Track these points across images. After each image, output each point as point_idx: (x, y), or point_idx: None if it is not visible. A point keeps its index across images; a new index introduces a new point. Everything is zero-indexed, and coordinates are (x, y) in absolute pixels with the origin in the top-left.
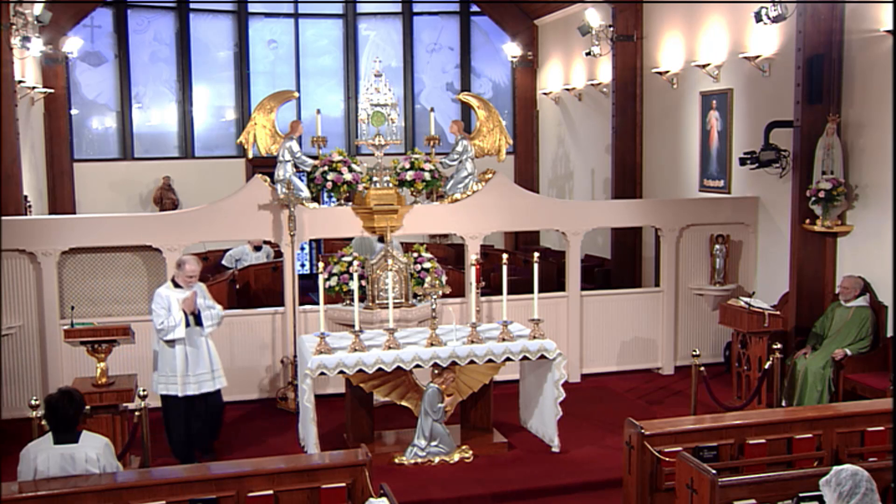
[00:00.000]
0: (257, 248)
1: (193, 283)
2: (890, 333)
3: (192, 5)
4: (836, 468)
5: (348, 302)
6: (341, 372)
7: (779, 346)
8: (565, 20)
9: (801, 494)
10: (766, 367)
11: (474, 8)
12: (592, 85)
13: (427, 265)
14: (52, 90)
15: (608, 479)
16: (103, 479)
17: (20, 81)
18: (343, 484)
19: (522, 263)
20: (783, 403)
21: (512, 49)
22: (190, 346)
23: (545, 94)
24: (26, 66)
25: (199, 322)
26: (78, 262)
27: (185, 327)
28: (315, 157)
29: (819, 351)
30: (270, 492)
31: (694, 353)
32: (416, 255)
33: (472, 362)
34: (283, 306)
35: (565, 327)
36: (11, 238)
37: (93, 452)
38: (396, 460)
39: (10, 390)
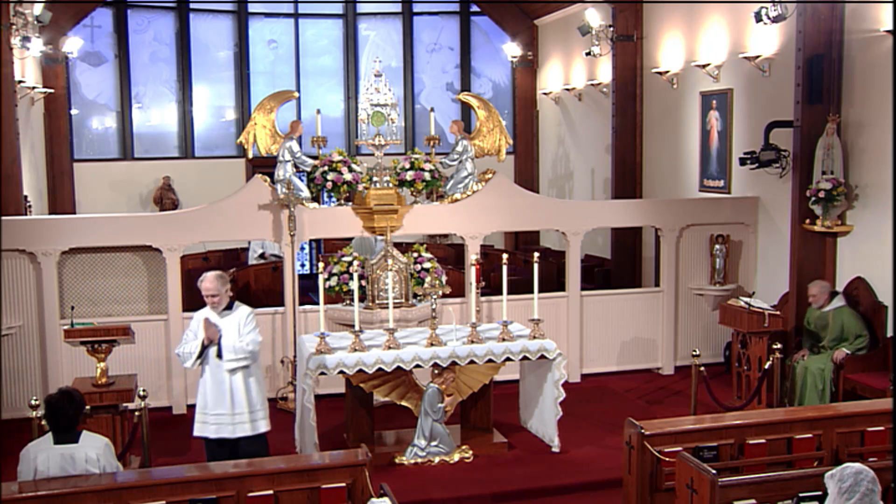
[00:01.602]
0: (262, 257)
1: (219, 305)
2: (890, 333)
3: (192, 5)
4: (844, 464)
5: (348, 302)
6: (341, 372)
7: (779, 346)
8: (565, 20)
9: (801, 494)
10: (766, 367)
11: (474, 8)
12: (592, 85)
13: (427, 265)
14: (52, 90)
15: (608, 479)
16: (103, 479)
17: (20, 81)
18: (343, 484)
19: (522, 263)
20: (785, 402)
21: (512, 49)
22: (211, 381)
23: (545, 94)
24: (26, 66)
25: (220, 354)
26: (78, 262)
27: (196, 359)
28: (315, 157)
29: (818, 354)
30: (270, 492)
31: (694, 353)
32: (416, 255)
33: (472, 362)
34: (283, 306)
35: (565, 327)
36: (11, 238)
37: (93, 452)
38: (396, 460)
39: (10, 390)
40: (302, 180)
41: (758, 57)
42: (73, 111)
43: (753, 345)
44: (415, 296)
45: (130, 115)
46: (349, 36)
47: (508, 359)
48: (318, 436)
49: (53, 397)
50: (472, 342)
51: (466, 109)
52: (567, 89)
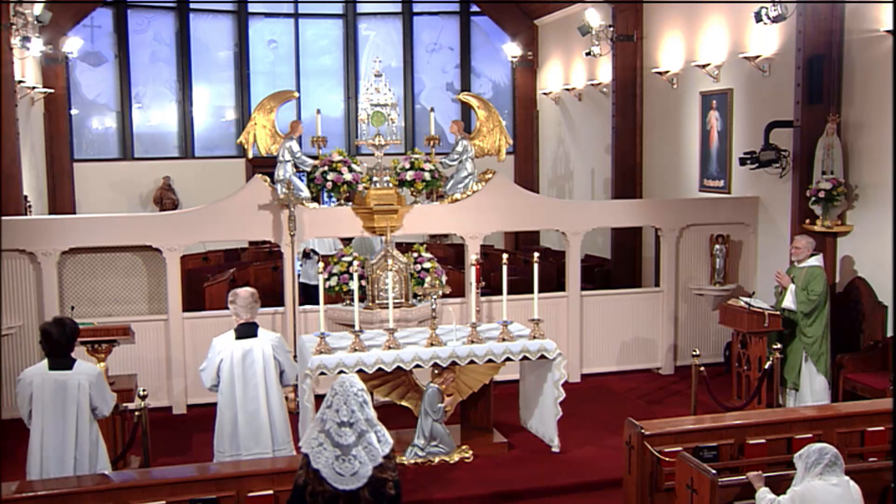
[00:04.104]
0: (306, 256)
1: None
2: (890, 333)
3: (192, 5)
4: (808, 445)
5: (348, 302)
6: (341, 372)
7: (779, 346)
8: (565, 20)
9: None
10: (766, 367)
11: (474, 8)
12: (592, 85)
13: (427, 265)
14: (52, 90)
15: (608, 479)
16: (103, 480)
17: (20, 81)
18: None
19: (522, 263)
20: (787, 387)
21: (512, 49)
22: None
23: (545, 94)
24: (26, 66)
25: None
26: (78, 262)
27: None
28: (315, 157)
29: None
30: (270, 492)
31: (694, 353)
32: (416, 255)
33: (472, 362)
34: (283, 306)
35: (565, 327)
36: (11, 238)
37: (85, 381)
38: (396, 460)
39: (10, 390)
40: (302, 180)
41: (758, 57)
42: (73, 111)
43: (753, 345)
44: (415, 296)
45: (130, 115)
46: (349, 36)
47: (508, 359)
48: None
49: (47, 324)
50: (472, 342)
51: (466, 109)
52: (567, 89)
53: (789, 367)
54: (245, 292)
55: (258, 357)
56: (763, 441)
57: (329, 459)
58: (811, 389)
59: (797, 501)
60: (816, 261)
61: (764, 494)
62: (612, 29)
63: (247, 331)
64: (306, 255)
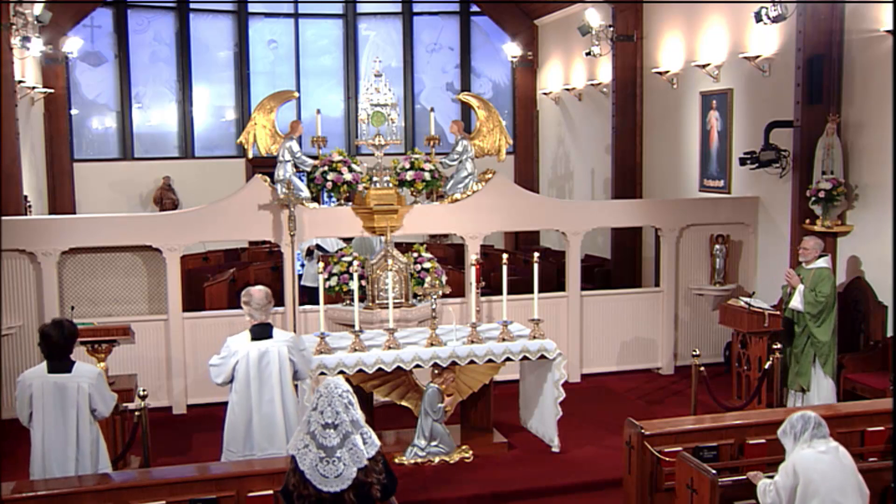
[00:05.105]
0: (309, 254)
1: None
2: (890, 333)
3: (192, 5)
4: (786, 418)
5: (348, 302)
6: (341, 372)
7: (779, 346)
8: (565, 20)
9: None
10: (766, 367)
11: (474, 8)
12: (592, 85)
13: (427, 265)
14: (52, 90)
15: (608, 479)
16: (103, 480)
17: (20, 81)
18: None
19: (522, 263)
20: (792, 391)
21: (512, 49)
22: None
23: (545, 94)
24: (26, 66)
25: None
26: (78, 262)
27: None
28: (315, 157)
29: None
30: (270, 492)
31: (694, 353)
32: (416, 255)
33: (472, 362)
34: (283, 306)
35: (565, 327)
36: (11, 238)
37: (85, 384)
38: (396, 460)
39: (10, 390)
40: (302, 180)
41: (758, 57)
42: (73, 111)
43: (753, 345)
44: (415, 296)
45: (130, 115)
46: (349, 36)
47: (508, 359)
48: None
49: (46, 326)
50: (472, 342)
51: (466, 109)
52: (567, 89)
53: (801, 372)
54: (259, 293)
55: (274, 358)
56: (763, 441)
57: (313, 461)
58: (818, 392)
59: (790, 474)
60: (825, 262)
61: (763, 485)
62: (612, 29)
63: (262, 332)
64: (309, 252)
